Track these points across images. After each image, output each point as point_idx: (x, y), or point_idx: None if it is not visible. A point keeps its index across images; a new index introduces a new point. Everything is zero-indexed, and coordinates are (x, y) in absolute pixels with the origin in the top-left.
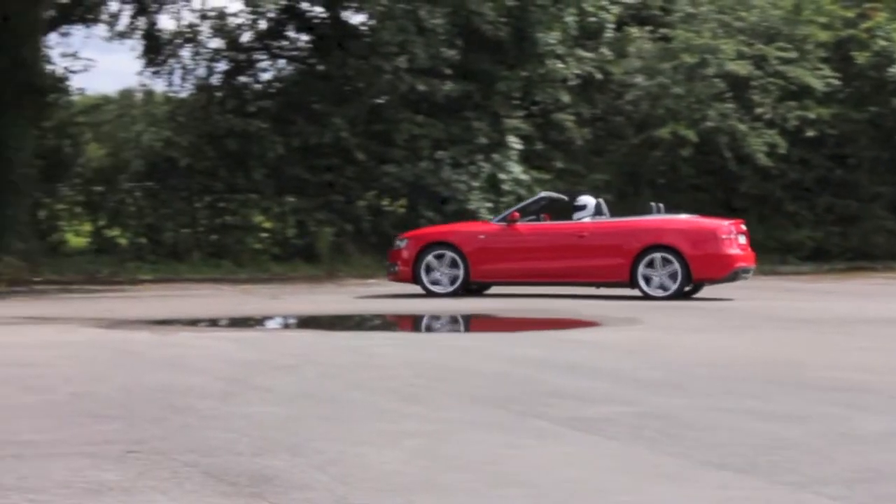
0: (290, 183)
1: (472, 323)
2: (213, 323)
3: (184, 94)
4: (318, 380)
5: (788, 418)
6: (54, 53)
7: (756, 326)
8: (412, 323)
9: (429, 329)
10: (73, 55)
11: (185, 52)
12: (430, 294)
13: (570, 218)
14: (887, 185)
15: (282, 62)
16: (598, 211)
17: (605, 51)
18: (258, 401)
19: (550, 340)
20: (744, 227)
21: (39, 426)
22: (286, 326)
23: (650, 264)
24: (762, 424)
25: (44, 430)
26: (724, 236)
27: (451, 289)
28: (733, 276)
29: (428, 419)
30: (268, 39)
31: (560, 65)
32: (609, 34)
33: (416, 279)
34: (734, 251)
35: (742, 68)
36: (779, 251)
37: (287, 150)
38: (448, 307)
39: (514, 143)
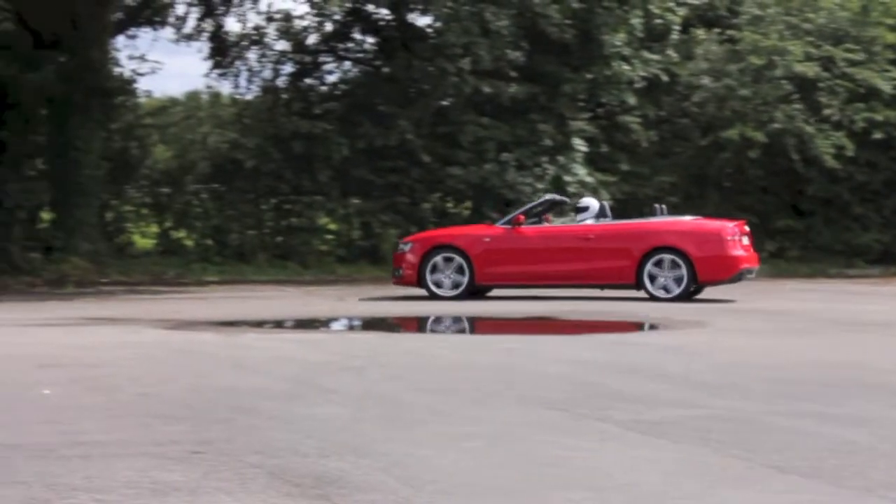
0: (355, 185)
1: (534, 326)
2: (278, 324)
3: (250, 97)
4: (382, 381)
5: (853, 422)
6: (122, 56)
7: (820, 330)
8: (472, 325)
9: (490, 331)
10: (141, 58)
11: (252, 55)
12: (435, 297)
13: (572, 220)
14: None
15: (347, 64)
16: (601, 213)
17: (671, 53)
18: (323, 402)
19: (613, 343)
20: (747, 228)
21: (106, 426)
22: (351, 328)
23: (656, 266)
24: (826, 428)
25: (110, 431)
26: (728, 238)
27: (456, 292)
28: (738, 277)
29: (491, 421)
30: (334, 42)
31: (626, 67)
32: (675, 36)
33: (421, 282)
34: (739, 252)
35: (809, 70)
36: (845, 254)
37: (352, 152)
38: (500, 310)
39: (580, 145)
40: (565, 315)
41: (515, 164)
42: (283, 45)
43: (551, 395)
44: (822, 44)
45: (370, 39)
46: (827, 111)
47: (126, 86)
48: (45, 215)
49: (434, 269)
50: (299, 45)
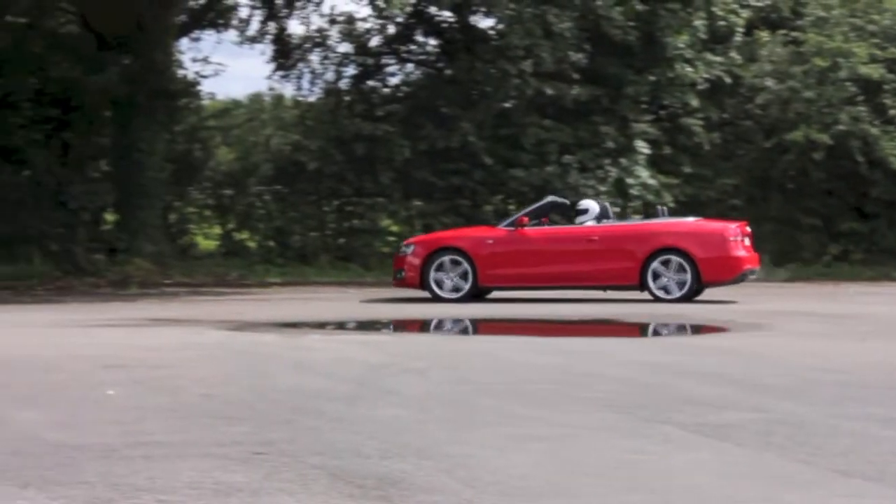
0: (417, 187)
1: (597, 328)
2: (340, 326)
3: (312, 99)
4: (444, 383)
5: None
6: (186, 58)
7: (886, 333)
8: (532, 327)
9: (549, 334)
10: (204, 60)
11: (314, 57)
12: (438, 299)
13: (571, 222)
14: None
15: (410, 66)
16: (603, 215)
17: (734, 55)
18: (385, 404)
19: (677, 346)
20: (748, 229)
21: (169, 427)
22: (412, 329)
23: (660, 267)
24: (892, 432)
25: (174, 431)
26: (731, 238)
27: (459, 294)
28: (741, 277)
29: (555, 423)
30: (396, 44)
31: (689, 69)
32: (739, 38)
33: (423, 285)
34: (741, 253)
35: (874, 72)
36: None
37: (414, 154)
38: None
39: (642, 147)
40: (624, 317)
41: (577, 166)
42: (345, 48)
43: (614, 397)
44: (888, 46)
45: (432, 41)
46: (892, 112)
47: (189, 88)
48: (109, 217)
49: (437, 271)
50: (362, 48)
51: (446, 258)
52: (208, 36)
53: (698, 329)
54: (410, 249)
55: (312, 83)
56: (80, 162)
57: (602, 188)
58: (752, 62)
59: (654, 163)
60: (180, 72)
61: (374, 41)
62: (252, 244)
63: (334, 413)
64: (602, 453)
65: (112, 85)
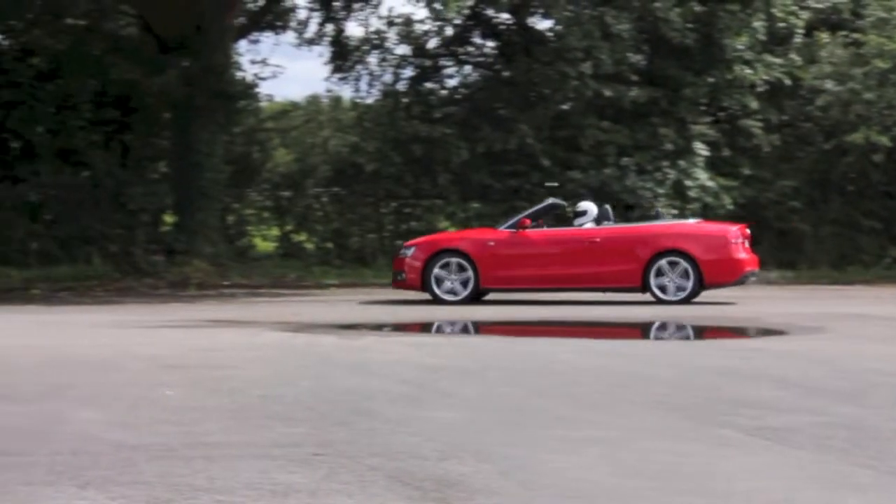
0: (474, 189)
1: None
2: (397, 328)
3: (370, 100)
4: (500, 385)
5: None
6: (244, 60)
7: None
8: (585, 330)
9: (604, 336)
10: (263, 62)
11: (372, 59)
12: (439, 302)
13: (570, 224)
14: None
15: (467, 68)
16: (603, 216)
17: (794, 56)
18: (442, 405)
19: (734, 349)
20: (748, 231)
21: (228, 428)
22: (469, 332)
23: (662, 270)
24: None
25: (232, 432)
26: (733, 241)
27: (461, 296)
28: (743, 279)
29: (610, 426)
30: (454, 46)
31: (748, 70)
32: (798, 40)
33: (424, 287)
34: (743, 255)
35: None
36: None
37: (472, 156)
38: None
39: (701, 149)
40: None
41: (636, 168)
42: (403, 49)
43: (670, 399)
44: None
45: (490, 43)
46: None
47: (248, 90)
48: (168, 218)
49: (438, 274)
50: (420, 49)
51: (447, 260)
52: (267, 38)
53: (758, 332)
54: (411, 251)
55: (370, 85)
56: (140, 163)
57: (660, 190)
58: (811, 64)
59: (713, 165)
60: (239, 74)
61: (432, 43)
62: (310, 246)
63: (392, 414)
64: (658, 456)
65: (171, 87)
